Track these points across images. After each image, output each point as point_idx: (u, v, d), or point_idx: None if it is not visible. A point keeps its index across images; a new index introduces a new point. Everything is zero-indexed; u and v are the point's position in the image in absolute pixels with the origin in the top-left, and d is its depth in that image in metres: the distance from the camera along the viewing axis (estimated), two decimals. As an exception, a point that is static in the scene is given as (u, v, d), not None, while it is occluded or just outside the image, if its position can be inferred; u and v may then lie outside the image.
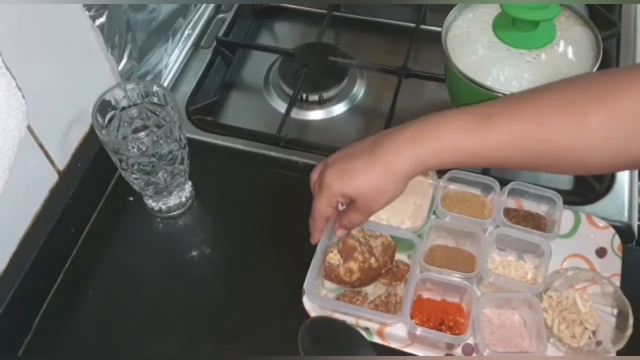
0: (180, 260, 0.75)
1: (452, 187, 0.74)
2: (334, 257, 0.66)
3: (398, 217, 0.71)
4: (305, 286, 0.65)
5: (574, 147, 0.55)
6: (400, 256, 0.70)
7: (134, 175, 0.70)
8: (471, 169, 0.73)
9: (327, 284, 0.68)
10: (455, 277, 0.66)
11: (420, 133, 0.59)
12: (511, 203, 0.73)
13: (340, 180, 0.62)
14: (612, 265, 0.69)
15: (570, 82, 0.60)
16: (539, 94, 0.58)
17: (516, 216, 0.72)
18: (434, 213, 0.71)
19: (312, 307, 0.66)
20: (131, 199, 0.80)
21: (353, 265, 0.65)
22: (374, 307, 0.66)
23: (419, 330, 0.63)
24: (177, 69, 0.92)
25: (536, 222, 0.72)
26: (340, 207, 0.67)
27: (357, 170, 0.61)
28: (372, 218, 0.71)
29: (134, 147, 0.66)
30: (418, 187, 0.73)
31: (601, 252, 0.70)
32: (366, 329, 0.65)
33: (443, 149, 0.58)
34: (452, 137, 0.58)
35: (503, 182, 0.72)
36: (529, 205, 0.73)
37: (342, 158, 0.64)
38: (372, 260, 0.66)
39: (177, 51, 0.92)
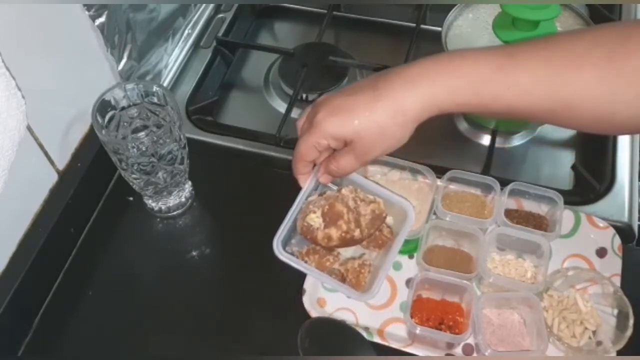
0: (180, 260, 0.75)
1: (452, 187, 0.74)
2: (315, 219, 0.60)
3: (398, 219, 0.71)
4: (275, 240, 0.60)
5: (604, 98, 0.49)
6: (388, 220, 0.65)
7: (133, 175, 0.70)
8: (471, 169, 0.73)
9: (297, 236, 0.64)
10: (455, 278, 0.66)
11: (435, 67, 0.52)
12: (512, 203, 0.73)
13: (335, 117, 0.54)
14: (613, 265, 0.69)
15: (608, 25, 0.53)
16: (571, 34, 0.52)
17: (517, 217, 0.72)
18: (434, 213, 0.71)
19: (312, 307, 0.66)
20: (131, 199, 0.80)
21: (334, 233, 0.60)
22: (344, 272, 0.61)
23: (419, 330, 0.63)
24: (177, 69, 0.92)
25: (537, 222, 0.72)
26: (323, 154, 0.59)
27: (357, 107, 0.53)
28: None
29: (133, 147, 0.66)
30: (418, 192, 0.73)
31: (601, 252, 0.70)
32: (366, 329, 0.65)
33: (460, 88, 0.51)
34: (471, 74, 0.50)
35: (503, 182, 0.72)
36: (530, 206, 0.73)
37: (338, 94, 0.55)
38: (357, 232, 0.60)
39: (177, 51, 0.92)
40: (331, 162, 0.58)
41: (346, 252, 0.64)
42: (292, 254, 0.63)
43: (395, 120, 0.52)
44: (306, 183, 0.62)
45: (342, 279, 0.63)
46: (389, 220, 0.65)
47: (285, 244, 0.62)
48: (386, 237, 0.64)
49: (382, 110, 0.52)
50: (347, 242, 0.62)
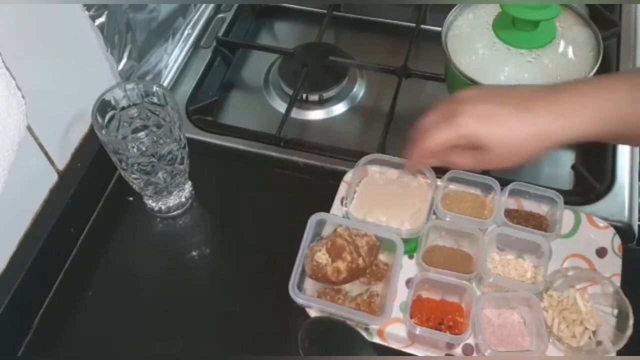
0: (180, 260, 0.75)
1: (452, 187, 0.74)
2: (322, 256, 0.65)
3: (398, 219, 0.71)
4: (290, 285, 0.64)
5: None
6: (382, 256, 0.70)
7: (133, 175, 0.70)
8: (474, 170, 0.73)
9: (307, 280, 0.68)
10: (455, 278, 0.66)
11: (585, 100, 0.54)
12: (512, 203, 0.73)
13: (480, 124, 0.56)
14: (613, 265, 0.69)
15: None
16: None
17: (517, 217, 0.72)
18: (434, 213, 0.71)
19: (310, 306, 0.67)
20: (131, 199, 0.80)
21: (341, 265, 0.65)
22: (356, 306, 0.66)
23: (419, 330, 0.63)
24: (177, 69, 0.92)
25: (538, 223, 0.72)
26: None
27: (504, 121, 0.55)
28: (369, 218, 0.71)
29: (133, 147, 0.66)
30: (418, 190, 0.73)
31: (601, 252, 0.70)
32: (366, 329, 0.65)
33: (608, 120, 0.54)
34: (617, 105, 0.53)
35: (503, 182, 0.72)
36: (530, 206, 0.73)
37: (484, 99, 0.57)
38: (360, 260, 0.66)
39: (177, 51, 0.92)
40: (449, 156, 0.60)
41: (353, 291, 0.68)
42: None
43: (536, 144, 0.55)
44: (307, 235, 0.68)
45: None
46: (381, 257, 0.70)
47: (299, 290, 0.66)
48: (383, 269, 0.69)
49: (527, 132, 0.55)
50: (354, 272, 0.66)
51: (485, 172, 0.76)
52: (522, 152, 0.56)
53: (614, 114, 0.54)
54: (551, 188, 0.72)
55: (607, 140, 0.58)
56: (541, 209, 0.73)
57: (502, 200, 0.71)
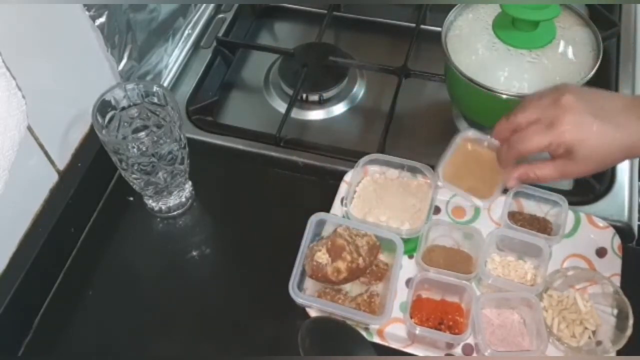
0: (180, 260, 0.75)
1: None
2: (322, 256, 0.65)
3: (398, 219, 0.71)
4: (290, 285, 0.65)
5: None
6: (381, 256, 0.70)
7: (134, 175, 0.70)
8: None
9: (307, 280, 0.68)
10: (455, 278, 0.66)
11: None
12: (514, 206, 0.73)
13: (579, 133, 0.57)
14: (612, 265, 0.69)
15: None
16: None
17: (522, 219, 0.72)
18: (434, 213, 0.71)
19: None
20: (131, 199, 0.80)
21: (341, 265, 0.65)
22: (356, 306, 0.66)
23: (419, 330, 0.63)
24: (177, 69, 0.92)
25: (542, 226, 0.71)
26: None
27: (602, 133, 0.57)
28: (369, 218, 0.71)
29: (134, 147, 0.66)
30: (417, 190, 0.73)
31: (601, 252, 0.70)
32: (366, 329, 0.65)
33: None
34: None
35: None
36: (533, 208, 0.73)
37: (587, 109, 0.58)
38: (360, 260, 0.66)
39: (177, 51, 0.92)
40: (533, 170, 0.62)
41: (353, 291, 0.68)
42: None
43: (622, 156, 0.59)
44: (306, 234, 0.68)
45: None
46: (381, 256, 0.70)
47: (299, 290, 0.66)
48: (383, 269, 0.69)
49: (616, 146, 0.57)
50: (354, 271, 0.66)
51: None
52: (607, 162, 0.59)
53: None
54: (550, 188, 0.72)
55: None
56: (543, 211, 0.72)
57: (507, 202, 0.71)
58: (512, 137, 0.62)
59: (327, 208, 0.73)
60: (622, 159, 0.60)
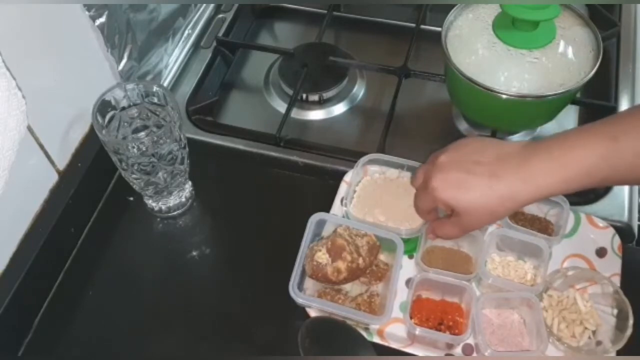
0: (180, 260, 0.75)
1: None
2: (322, 256, 0.65)
3: (397, 219, 0.71)
4: (290, 285, 0.64)
5: None
6: (381, 256, 0.70)
7: (134, 175, 0.70)
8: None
9: (307, 280, 0.68)
10: (454, 278, 0.66)
11: (552, 162, 0.56)
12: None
13: (449, 191, 0.59)
14: (612, 265, 0.69)
15: None
16: None
17: (523, 219, 0.72)
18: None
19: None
20: (131, 199, 0.80)
21: (341, 265, 0.65)
22: (356, 306, 0.66)
23: (418, 330, 0.63)
24: (177, 69, 0.92)
25: (543, 226, 0.71)
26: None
27: (471, 186, 0.58)
28: (369, 218, 0.71)
29: (134, 147, 0.66)
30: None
31: (601, 252, 0.70)
32: (366, 329, 0.65)
33: (577, 178, 0.56)
34: (586, 165, 0.55)
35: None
36: (533, 208, 0.73)
37: (457, 165, 0.60)
38: (360, 260, 0.66)
39: (177, 51, 0.92)
40: (438, 229, 0.65)
41: (353, 291, 0.69)
42: None
43: (505, 206, 0.58)
44: (307, 237, 0.68)
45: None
46: (381, 256, 0.70)
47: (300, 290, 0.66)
48: (383, 269, 0.69)
49: (496, 197, 0.57)
50: (354, 271, 0.66)
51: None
52: (494, 214, 0.59)
53: (584, 173, 0.55)
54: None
55: (588, 188, 0.59)
56: (545, 212, 0.72)
57: None
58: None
59: (327, 208, 0.73)
60: (510, 209, 0.58)
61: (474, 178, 0.58)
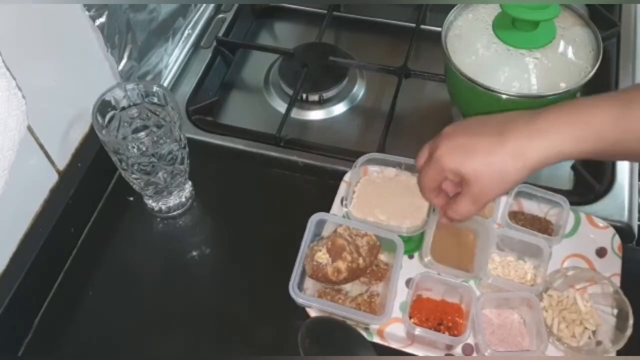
0: (180, 260, 0.75)
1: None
2: (322, 256, 0.65)
3: (397, 217, 0.71)
4: (290, 285, 0.64)
5: None
6: (381, 256, 0.70)
7: (134, 175, 0.70)
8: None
9: (307, 280, 0.68)
10: (454, 279, 0.66)
11: (562, 118, 0.53)
12: (515, 205, 0.73)
13: (456, 156, 0.56)
14: (612, 265, 0.69)
15: None
16: None
17: (523, 219, 0.72)
18: (434, 211, 0.71)
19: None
20: (131, 199, 0.80)
21: (341, 265, 0.65)
22: (356, 306, 0.66)
23: (418, 331, 0.63)
24: (177, 69, 0.92)
25: (543, 226, 0.72)
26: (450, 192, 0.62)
27: (479, 148, 0.55)
28: (369, 217, 0.71)
29: (134, 147, 0.66)
30: (416, 188, 0.73)
31: (601, 252, 0.70)
32: (366, 329, 0.65)
33: (587, 137, 0.53)
34: (598, 123, 0.53)
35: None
36: (534, 208, 0.73)
37: (462, 132, 0.57)
38: (360, 260, 0.66)
39: (177, 51, 0.92)
40: (450, 208, 0.61)
41: (353, 291, 0.69)
42: None
43: (516, 164, 0.54)
44: (306, 236, 0.68)
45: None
46: (381, 256, 0.70)
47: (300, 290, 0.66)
48: (383, 269, 0.69)
49: (504, 154, 0.54)
50: (354, 271, 0.66)
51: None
52: (505, 177, 0.55)
53: (595, 132, 0.53)
54: (550, 188, 0.72)
55: (597, 158, 0.57)
56: (544, 211, 0.72)
57: (508, 201, 0.71)
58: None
59: (327, 208, 0.73)
60: (521, 170, 0.55)
61: (480, 139, 0.56)
